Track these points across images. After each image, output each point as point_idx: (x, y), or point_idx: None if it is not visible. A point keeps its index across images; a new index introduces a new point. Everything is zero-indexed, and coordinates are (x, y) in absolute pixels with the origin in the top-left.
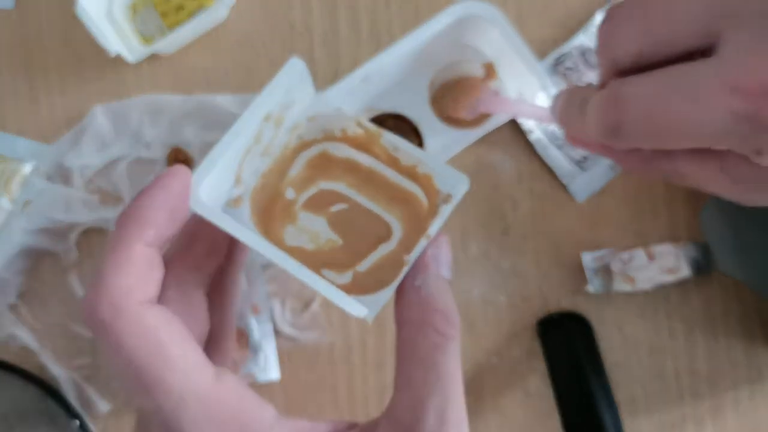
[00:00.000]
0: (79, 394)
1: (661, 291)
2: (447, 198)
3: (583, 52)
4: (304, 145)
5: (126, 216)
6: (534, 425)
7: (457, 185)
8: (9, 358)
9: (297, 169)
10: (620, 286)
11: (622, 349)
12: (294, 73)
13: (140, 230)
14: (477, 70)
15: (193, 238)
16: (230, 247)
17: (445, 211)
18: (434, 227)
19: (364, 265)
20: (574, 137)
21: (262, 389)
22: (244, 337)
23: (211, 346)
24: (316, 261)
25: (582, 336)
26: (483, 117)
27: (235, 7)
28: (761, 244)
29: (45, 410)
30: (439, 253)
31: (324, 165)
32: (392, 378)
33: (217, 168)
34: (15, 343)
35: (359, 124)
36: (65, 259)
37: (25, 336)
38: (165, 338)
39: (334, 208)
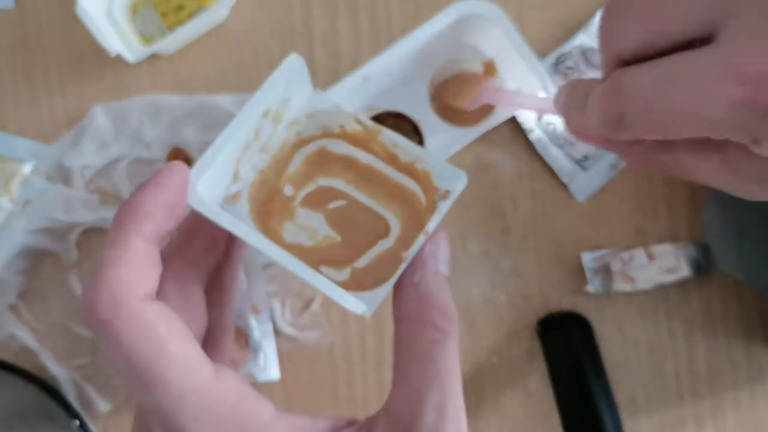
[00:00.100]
0: (79, 394)
1: (661, 291)
2: (445, 195)
3: (584, 52)
4: (302, 142)
5: (124, 211)
6: (534, 425)
7: (455, 182)
8: (9, 358)
9: (295, 165)
10: (620, 286)
11: (622, 349)
12: (293, 69)
13: (138, 225)
14: (477, 69)
15: (192, 234)
16: (228, 243)
17: (444, 207)
18: (432, 224)
19: (362, 262)
20: (576, 130)
21: (262, 389)
22: (244, 337)
23: (210, 343)
24: (314, 258)
25: (582, 336)
26: (483, 114)
27: (235, 7)
28: (762, 243)
29: (45, 410)
30: (438, 250)
31: (322, 162)
32: (391, 376)
33: (215, 164)
34: (15, 343)
35: (358, 121)
36: (65, 259)
37: (25, 336)
38: (164, 334)
39: (333, 205)
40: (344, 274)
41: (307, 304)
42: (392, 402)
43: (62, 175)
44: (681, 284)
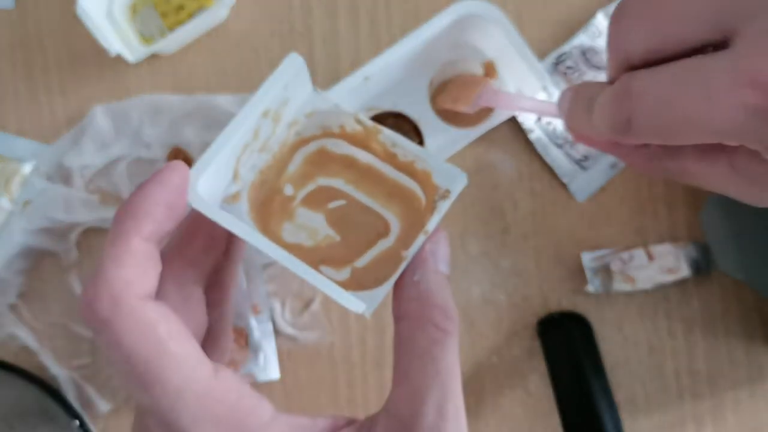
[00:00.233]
0: (79, 394)
1: (661, 291)
2: (445, 194)
3: (584, 52)
4: (302, 142)
5: (124, 211)
6: (534, 425)
7: (455, 182)
8: (9, 358)
9: (295, 165)
10: (620, 285)
11: (622, 349)
12: (292, 69)
13: (138, 225)
14: (477, 69)
15: (191, 233)
16: (227, 243)
17: (443, 207)
18: (432, 223)
19: (362, 261)
20: (579, 134)
21: (262, 389)
22: (243, 337)
23: (209, 342)
24: (314, 257)
25: (582, 336)
26: (483, 114)
27: (234, 7)
28: (762, 243)
29: (45, 410)
30: (437, 249)
31: (322, 161)
32: (391, 376)
33: (215, 163)
34: (15, 343)
35: (358, 121)
36: (65, 259)
37: (25, 336)
38: (163, 334)
39: (332, 205)
40: (344, 273)
41: (307, 304)
42: (392, 401)
43: (62, 175)
44: (681, 284)
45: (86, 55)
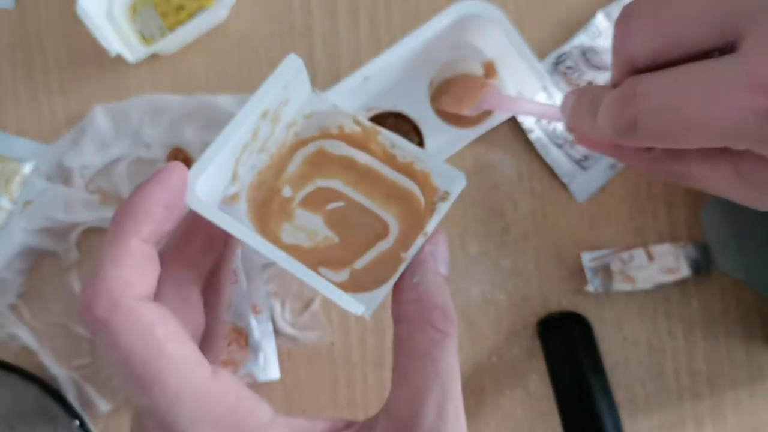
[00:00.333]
0: (79, 394)
1: (661, 291)
2: (444, 195)
3: (584, 52)
4: (301, 143)
5: (123, 211)
6: (534, 425)
7: (454, 183)
8: (9, 358)
9: (294, 166)
10: (620, 285)
11: (622, 349)
12: (291, 69)
13: (137, 225)
14: (477, 69)
15: (190, 234)
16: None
17: (443, 208)
18: (431, 224)
19: (361, 263)
20: (582, 137)
21: (262, 389)
22: (243, 337)
23: (204, 343)
24: (313, 259)
25: (582, 336)
26: (484, 115)
27: (235, 7)
28: (761, 242)
29: (45, 410)
30: (437, 250)
31: (321, 162)
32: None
33: (213, 164)
34: (15, 343)
35: (356, 122)
36: (65, 259)
37: (25, 336)
38: (162, 335)
39: (331, 206)
40: (343, 275)
41: (307, 304)
42: (392, 403)
43: (62, 175)
44: (681, 284)
45: (86, 55)
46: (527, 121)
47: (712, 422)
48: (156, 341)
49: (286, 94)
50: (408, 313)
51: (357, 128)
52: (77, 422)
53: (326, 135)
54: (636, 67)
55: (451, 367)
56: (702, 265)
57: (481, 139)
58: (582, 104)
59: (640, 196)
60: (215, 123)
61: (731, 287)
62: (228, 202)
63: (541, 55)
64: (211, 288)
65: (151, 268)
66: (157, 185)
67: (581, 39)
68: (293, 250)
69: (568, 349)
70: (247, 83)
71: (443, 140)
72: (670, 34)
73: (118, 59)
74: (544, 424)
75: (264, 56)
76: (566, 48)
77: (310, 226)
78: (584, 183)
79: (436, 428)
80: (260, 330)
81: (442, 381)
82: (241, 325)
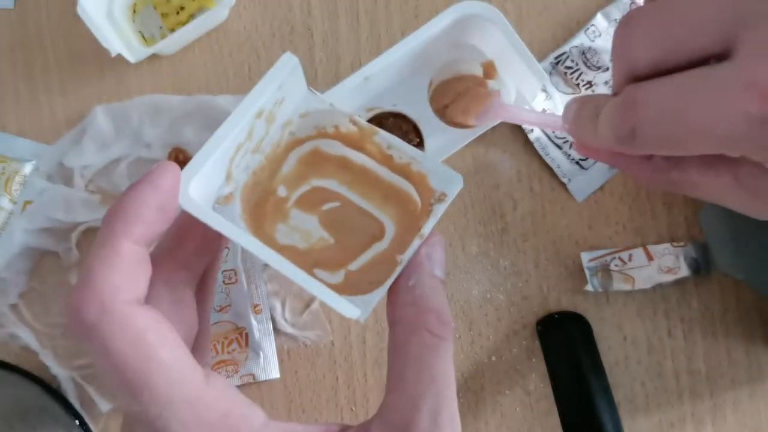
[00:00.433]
0: (79, 394)
1: (661, 291)
2: (441, 197)
3: (583, 52)
4: (296, 142)
5: (113, 212)
6: (534, 425)
7: (451, 184)
8: (9, 358)
9: (289, 166)
10: (619, 285)
11: (622, 349)
12: (286, 68)
13: (128, 227)
14: (477, 69)
15: (183, 235)
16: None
17: (439, 210)
18: (428, 226)
19: (356, 265)
20: (584, 146)
21: (262, 388)
22: (244, 337)
23: (195, 344)
24: (307, 260)
25: (581, 336)
26: None
27: (235, 7)
28: (761, 242)
29: (45, 410)
30: (433, 253)
31: (316, 162)
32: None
33: (207, 165)
34: (15, 343)
35: (353, 122)
36: (66, 259)
37: (25, 336)
38: (153, 341)
39: (327, 207)
40: (338, 277)
41: (307, 304)
42: (386, 407)
43: (63, 175)
44: (680, 284)
45: (86, 55)
46: None
47: (712, 422)
48: (148, 347)
49: (282, 94)
50: (403, 316)
51: (353, 128)
52: (77, 422)
53: (322, 134)
54: (636, 75)
55: (445, 372)
56: (701, 265)
57: (481, 139)
58: (584, 112)
59: (640, 196)
60: (215, 123)
61: (731, 287)
62: (222, 202)
63: (541, 55)
64: (199, 287)
65: (142, 270)
66: (148, 186)
67: (581, 39)
68: (288, 251)
69: (567, 348)
70: (247, 83)
71: (443, 140)
72: (670, 41)
73: (119, 59)
74: (544, 423)
75: (264, 56)
76: (566, 48)
77: (305, 227)
78: (584, 183)
79: None
80: (260, 330)
81: (437, 387)
82: (242, 325)
